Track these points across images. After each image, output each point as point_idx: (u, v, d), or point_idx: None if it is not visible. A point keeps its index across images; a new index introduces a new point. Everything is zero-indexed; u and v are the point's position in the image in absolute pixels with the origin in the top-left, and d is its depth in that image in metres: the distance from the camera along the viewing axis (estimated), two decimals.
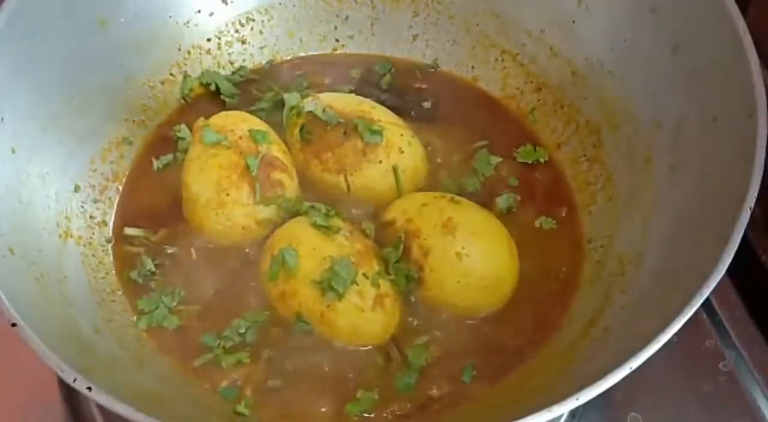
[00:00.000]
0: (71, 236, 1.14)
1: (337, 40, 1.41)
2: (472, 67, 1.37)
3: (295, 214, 1.16)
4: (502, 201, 1.21)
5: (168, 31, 1.31)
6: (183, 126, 1.26)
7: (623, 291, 1.07)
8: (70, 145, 1.18)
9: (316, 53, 1.41)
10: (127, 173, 1.25)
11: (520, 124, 1.32)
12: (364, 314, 1.07)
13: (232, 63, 1.37)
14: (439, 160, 1.26)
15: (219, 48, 1.37)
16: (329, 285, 1.05)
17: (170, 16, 1.31)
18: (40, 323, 0.91)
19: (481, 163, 1.25)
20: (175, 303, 1.12)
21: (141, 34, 1.28)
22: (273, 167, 1.16)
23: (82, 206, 1.18)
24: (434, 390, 1.06)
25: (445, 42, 1.38)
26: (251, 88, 1.35)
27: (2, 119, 1.05)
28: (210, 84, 1.33)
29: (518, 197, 1.22)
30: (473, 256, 1.08)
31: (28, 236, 1.06)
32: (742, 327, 1.27)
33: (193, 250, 1.17)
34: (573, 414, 1.18)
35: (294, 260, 1.07)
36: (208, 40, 1.36)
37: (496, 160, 1.25)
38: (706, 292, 0.89)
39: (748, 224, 0.92)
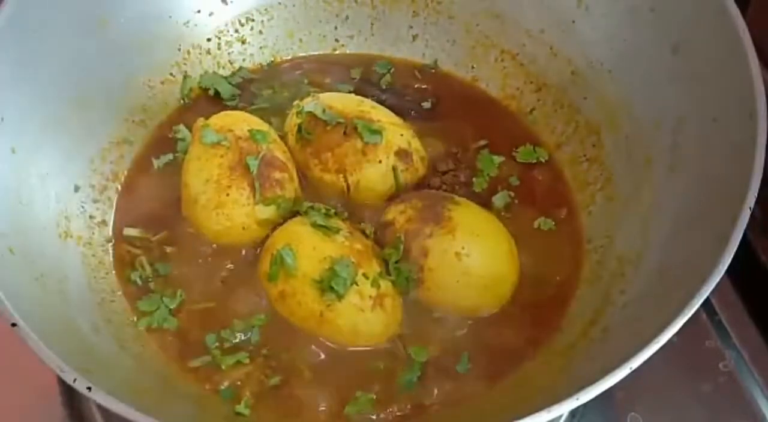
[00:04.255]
0: (71, 236, 1.14)
1: (337, 40, 1.41)
2: (472, 67, 1.37)
3: (295, 214, 1.16)
4: (498, 200, 1.21)
5: (168, 31, 1.31)
6: (182, 127, 1.27)
7: (623, 291, 1.07)
8: (70, 145, 1.18)
9: (316, 53, 1.41)
10: (127, 173, 1.25)
11: (520, 124, 1.33)
12: (364, 315, 1.07)
13: (231, 63, 1.37)
14: (438, 160, 1.26)
15: (219, 48, 1.37)
16: (329, 285, 1.05)
17: (170, 16, 1.31)
18: (40, 323, 0.91)
19: (484, 163, 1.25)
20: (175, 305, 1.12)
21: (141, 34, 1.27)
22: (273, 167, 1.16)
23: (82, 206, 1.18)
24: (434, 390, 1.06)
25: (445, 42, 1.38)
26: (251, 89, 1.35)
27: (2, 119, 1.05)
28: (209, 88, 1.33)
29: (512, 194, 1.22)
30: (473, 256, 1.08)
31: (28, 236, 1.06)
32: (742, 327, 1.27)
33: (192, 250, 1.17)
34: (573, 414, 1.18)
35: (293, 260, 1.07)
36: (208, 40, 1.36)
37: (498, 159, 1.25)
38: (706, 292, 0.89)
39: (748, 224, 0.92)
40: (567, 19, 1.27)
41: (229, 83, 1.35)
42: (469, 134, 1.29)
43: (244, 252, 1.16)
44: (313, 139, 1.21)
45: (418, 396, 1.06)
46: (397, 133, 1.21)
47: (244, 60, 1.38)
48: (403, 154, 1.20)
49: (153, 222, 1.20)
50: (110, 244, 1.19)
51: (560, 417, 1.13)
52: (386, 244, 1.13)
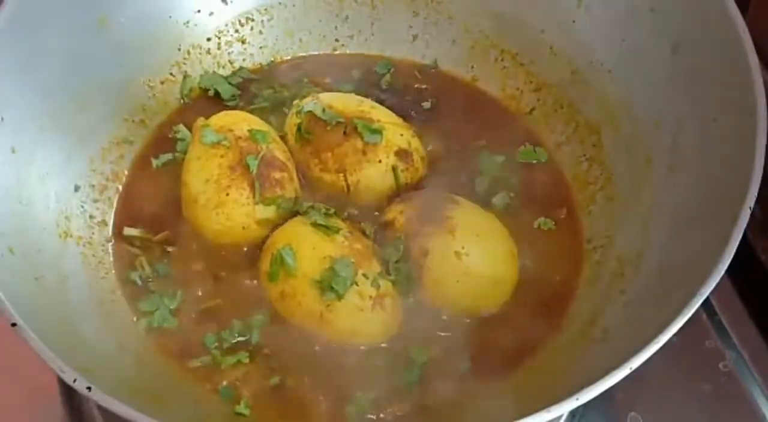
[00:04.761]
0: (71, 236, 1.14)
1: (337, 40, 1.41)
2: (472, 67, 1.37)
3: (294, 214, 1.16)
4: (497, 200, 1.21)
5: (168, 31, 1.31)
6: (182, 127, 1.27)
7: (623, 291, 1.07)
8: (70, 145, 1.18)
9: (316, 53, 1.41)
10: (127, 173, 1.25)
11: (520, 124, 1.32)
12: (364, 315, 1.07)
13: (231, 63, 1.38)
14: (438, 160, 1.26)
15: (219, 48, 1.37)
16: (329, 285, 1.05)
17: (170, 16, 1.31)
18: (40, 323, 0.91)
19: (485, 163, 1.25)
20: (175, 305, 1.12)
21: (141, 34, 1.28)
22: (273, 167, 1.16)
23: (82, 206, 1.18)
24: (434, 390, 1.06)
25: (444, 42, 1.38)
26: (251, 88, 1.35)
27: (2, 119, 1.05)
28: (209, 88, 1.33)
29: (512, 195, 1.22)
30: (473, 256, 1.08)
31: (28, 236, 1.06)
32: (742, 327, 1.27)
33: (192, 250, 1.17)
34: (573, 414, 1.18)
35: (293, 260, 1.07)
36: (208, 40, 1.36)
37: (499, 159, 1.25)
38: (706, 292, 0.89)
39: (748, 224, 0.92)
40: (567, 19, 1.27)
41: (229, 83, 1.35)
42: (469, 134, 1.29)
43: (244, 252, 1.16)
44: (313, 139, 1.21)
45: (418, 396, 1.06)
46: (397, 133, 1.21)
47: (244, 60, 1.38)
48: (403, 154, 1.20)
49: (153, 222, 1.20)
50: (110, 244, 1.19)
51: (560, 417, 1.13)
52: (386, 244, 1.13)
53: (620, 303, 1.06)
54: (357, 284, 1.06)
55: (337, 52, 1.42)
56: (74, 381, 0.84)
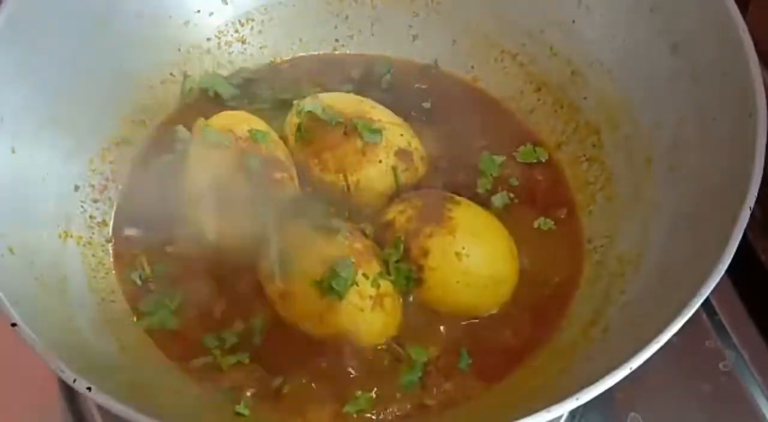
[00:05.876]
0: (71, 236, 1.14)
1: (337, 40, 1.41)
2: (472, 67, 1.37)
3: (295, 214, 1.16)
4: (497, 200, 1.21)
5: (168, 31, 1.31)
6: (182, 127, 1.27)
7: (623, 291, 1.07)
8: (70, 145, 1.18)
9: (316, 53, 1.41)
10: (127, 173, 1.25)
11: (520, 124, 1.32)
12: (364, 315, 1.07)
13: (232, 63, 1.37)
14: (438, 160, 1.26)
15: (219, 48, 1.37)
16: (329, 285, 1.05)
17: (170, 16, 1.31)
18: (40, 323, 0.91)
19: (485, 163, 1.25)
20: (175, 305, 1.12)
21: (141, 34, 1.27)
22: (273, 167, 1.16)
23: (82, 206, 1.18)
24: (434, 390, 1.06)
25: (445, 42, 1.38)
26: (251, 89, 1.35)
27: (2, 119, 1.05)
28: (209, 89, 1.33)
29: (512, 194, 1.22)
30: (473, 256, 1.08)
31: (28, 236, 1.06)
32: (742, 327, 1.27)
33: (192, 250, 1.17)
34: (573, 414, 1.18)
35: (294, 261, 1.07)
36: (208, 40, 1.36)
37: (499, 159, 1.25)
38: (706, 292, 0.89)
39: (748, 224, 0.92)
40: (567, 19, 1.27)
41: (229, 83, 1.34)
42: (469, 133, 1.29)
43: (244, 252, 1.16)
44: (313, 139, 1.21)
45: (418, 396, 1.06)
46: (397, 133, 1.21)
47: (244, 60, 1.38)
48: (403, 154, 1.20)
49: (153, 222, 1.20)
50: (110, 244, 1.19)
51: (560, 417, 1.13)
52: (386, 244, 1.13)
53: (620, 303, 1.06)
54: (357, 284, 1.06)
55: (337, 52, 1.42)
56: (74, 381, 0.84)
